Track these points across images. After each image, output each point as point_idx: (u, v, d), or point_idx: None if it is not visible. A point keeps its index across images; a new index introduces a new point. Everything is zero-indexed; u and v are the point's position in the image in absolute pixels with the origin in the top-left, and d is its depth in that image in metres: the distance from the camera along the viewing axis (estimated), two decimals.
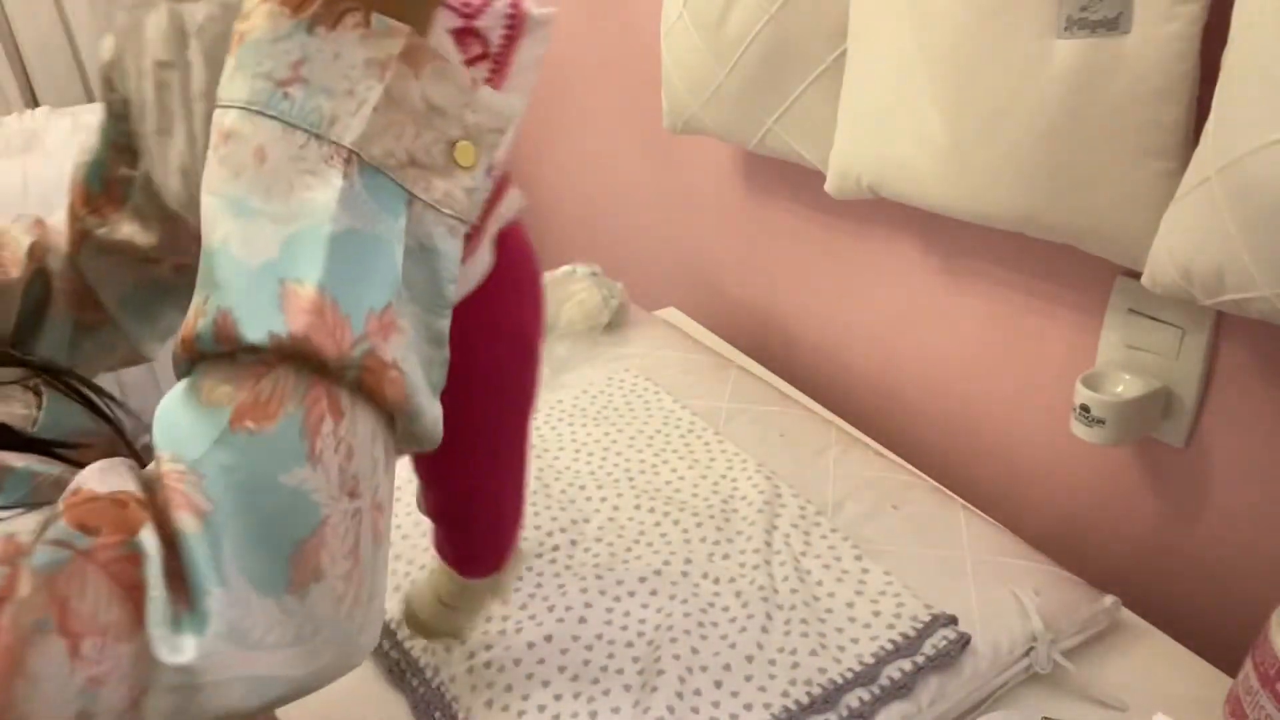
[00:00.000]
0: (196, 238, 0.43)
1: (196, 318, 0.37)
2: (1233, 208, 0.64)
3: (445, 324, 0.42)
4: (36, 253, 0.62)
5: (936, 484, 1.00)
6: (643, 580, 0.84)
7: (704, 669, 0.74)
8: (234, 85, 0.39)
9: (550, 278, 1.33)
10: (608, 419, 1.09)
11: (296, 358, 0.37)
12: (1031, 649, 0.77)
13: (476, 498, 0.65)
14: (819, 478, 0.97)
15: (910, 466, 1.04)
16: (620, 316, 1.30)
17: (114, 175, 0.62)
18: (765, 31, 1.00)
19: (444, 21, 0.44)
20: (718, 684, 0.73)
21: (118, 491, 0.37)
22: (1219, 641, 0.81)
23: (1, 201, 1.84)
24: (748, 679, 0.73)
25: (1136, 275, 0.77)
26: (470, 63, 0.46)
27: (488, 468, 0.63)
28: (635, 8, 1.38)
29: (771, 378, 1.23)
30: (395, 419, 0.40)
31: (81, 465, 0.45)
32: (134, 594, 0.35)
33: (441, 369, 0.43)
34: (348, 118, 0.38)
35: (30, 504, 0.42)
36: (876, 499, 0.94)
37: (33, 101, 2.24)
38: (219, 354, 0.37)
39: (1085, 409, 0.83)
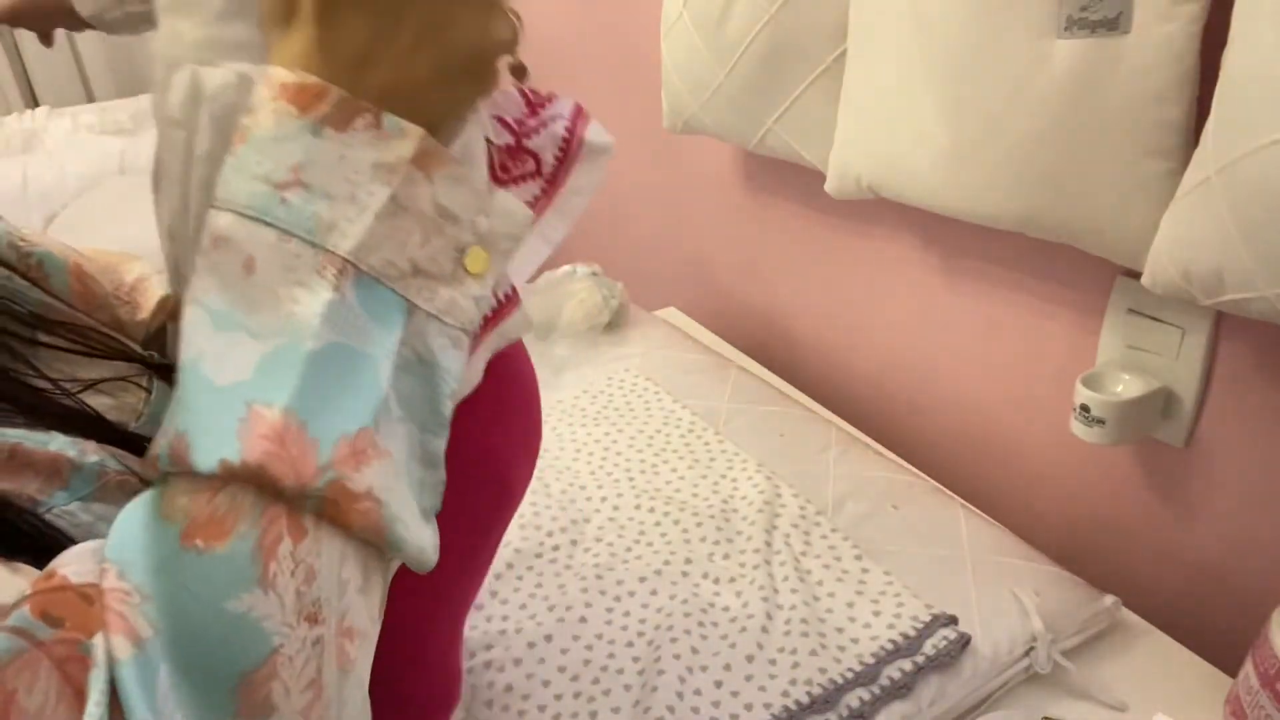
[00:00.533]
0: None
1: (160, 436, 0.35)
2: (1232, 208, 0.64)
3: (441, 444, 0.40)
4: (168, 304, 0.62)
5: (936, 484, 1.00)
6: (643, 580, 0.84)
7: (704, 669, 0.74)
8: (231, 186, 0.37)
9: (550, 278, 1.33)
10: (608, 419, 1.09)
11: (244, 483, 0.34)
12: (1031, 649, 0.77)
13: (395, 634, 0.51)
14: (819, 478, 0.97)
15: (910, 466, 1.04)
16: (620, 316, 1.30)
17: None
18: (765, 31, 1.00)
19: (496, 136, 0.43)
20: (718, 684, 0.73)
21: (89, 584, 0.34)
22: (1219, 641, 0.81)
23: (1, 201, 1.85)
24: (748, 679, 0.73)
25: (1136, 275, 0.77)
26: (519, 180, 0.45)
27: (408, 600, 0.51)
28: (635, 8, 1.38)
29: (771, 378, 1.23)
30: (367, 543, 0.37)
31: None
32: (80, 700, 0.32)
33: (435, 491, 0.40)
34: (346, 224, 0.36)
35: (94, 500, 0.42)
36: (876, 499, 0.94)
37: (33, 101, 2.24)
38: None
39: (1085, 409, 0.83)
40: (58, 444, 0.43)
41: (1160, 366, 0.83)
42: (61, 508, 0.41)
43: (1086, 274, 0.88)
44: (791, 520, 0.90)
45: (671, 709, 0.71)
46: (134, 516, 0.35)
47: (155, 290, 0.62)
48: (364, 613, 0.37)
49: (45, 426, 0.43)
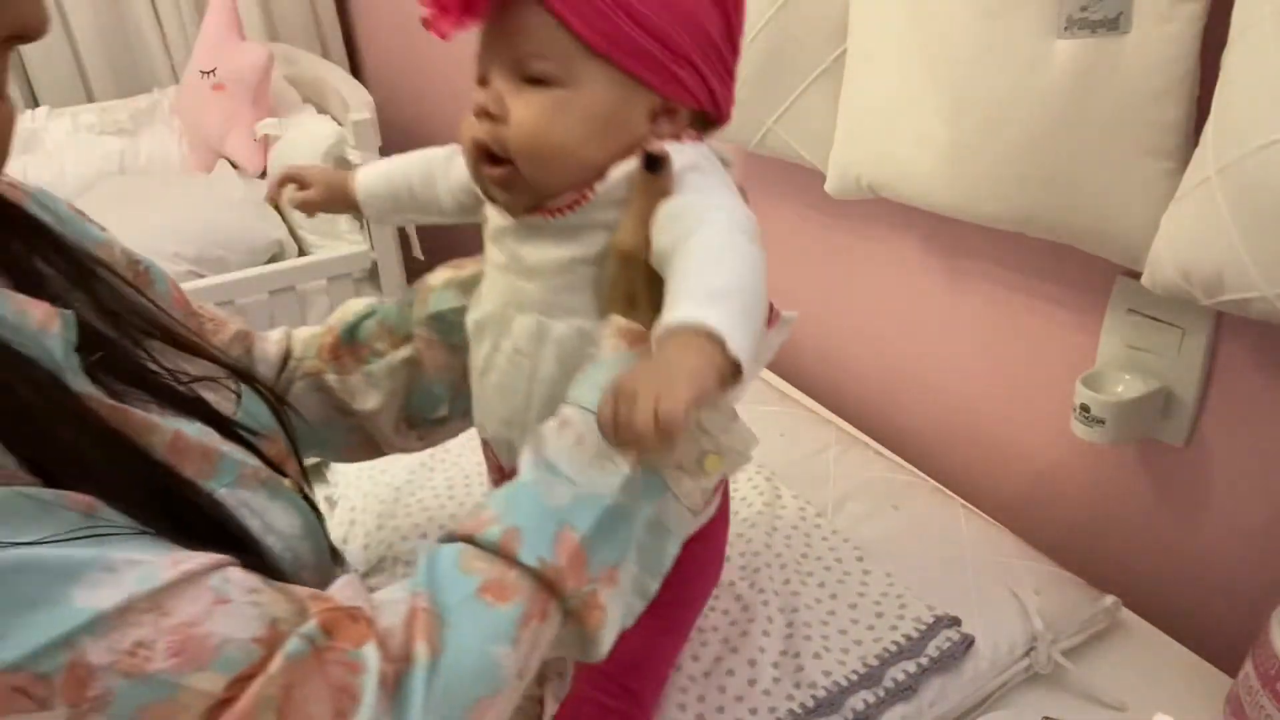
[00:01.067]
0: (402, 425, 0.76)
1: (487, 522, 0.50)
2: (1232, 208, 0.64)
3: (655, 587, 0.55)
4: (248, 339, 0.76)
5: (936, 484, 1.00)
6: None
7: (706, 675, 0.74)
8: (580, 391, 0.54)
9: None
10: None
11: (542, 577, 0.49)
12: (1032, 649, 0.77)
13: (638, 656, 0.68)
14: (819, 478, 0.97)
15: (910, 466, 1.04)
16: None
17: (369, 343, 0.76)
18: (765, 31, 1.00)
19: None
20: (721, 689, 0.73)
21: (354, 606, 0.47)
22: (1219, 641, 0.81)
23: None
24: (751, 683, 0.73)
25: (1136, 275, 0.77)
26: None
27: (654, 640, 0.69)
28: None
29: (771, 377, 1.23)
30: (581, 638, 0.52)
31: (266, 458, 0.58)
32: (339, 696, 0.43)
33: (634, 617, 0.55)
34: None
35: (237, 487, 0.54)
36: (876, 499, 0.94)
37: (33, 101, 2.24)
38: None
39: (1085, 409, 0.83)
40: (195, 431, 0.54)
41: (1160, 366, 0.83)
42: (219, 491, 0.53)
43: (1086, 274, 0.88)
44: (792, 522, 0.90)
45: (676, 716, 0.71)
46: (441, 563, 0.50)
47: (270, 351, 0.77)
48: (530, 675, 0.51)
49: (179, 414, 0.54)
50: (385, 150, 1.61)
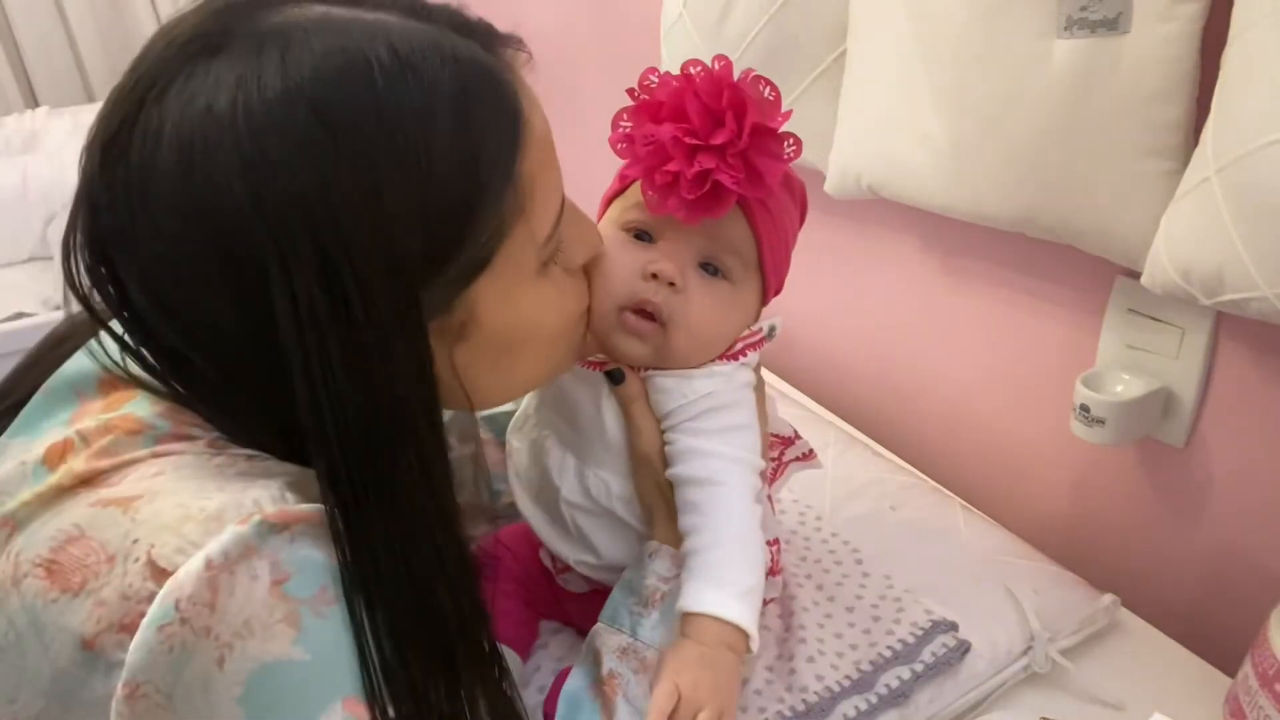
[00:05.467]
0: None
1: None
2: (1232, 207, 0.64)
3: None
4: None
5: (936, 484, 1.00)
6: None
7: None
8: (655, 632, 0.62)
9: None
10: None
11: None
12: (1030, 648, 0.77)
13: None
14: (818, 478, 0.97)
15: (910, 466, 1.04)
16: None
17: None
18: (765, 31, 1.00)
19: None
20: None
21: None
22: (1218, 641, 0.81)
23: (1, 201, 1.84)
24: (744, 682, 0.73)
25: (1136, 275, 0.77)
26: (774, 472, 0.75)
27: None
28: (635, 8, 1.38)
29: (771, 377, 1.23)
30: None
31: None
32: None
33: None
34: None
35: None
36: (875, 499, 0.94)
37: (33, 101, 2.23)
38: None
39: (1085, 409, 0.83)
40: None
41: (1160, 366, 0.83)
42: None
43: (1086, 274, 0.88)
44: (790, 525, 0.90)
45: None
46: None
47: None
48: None
49: None
50: None
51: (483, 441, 0.81)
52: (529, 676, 0.74)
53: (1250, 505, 0.82)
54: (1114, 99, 0.72)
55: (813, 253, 1.22)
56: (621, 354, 0.64)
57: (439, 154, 0.46)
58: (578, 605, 0.74)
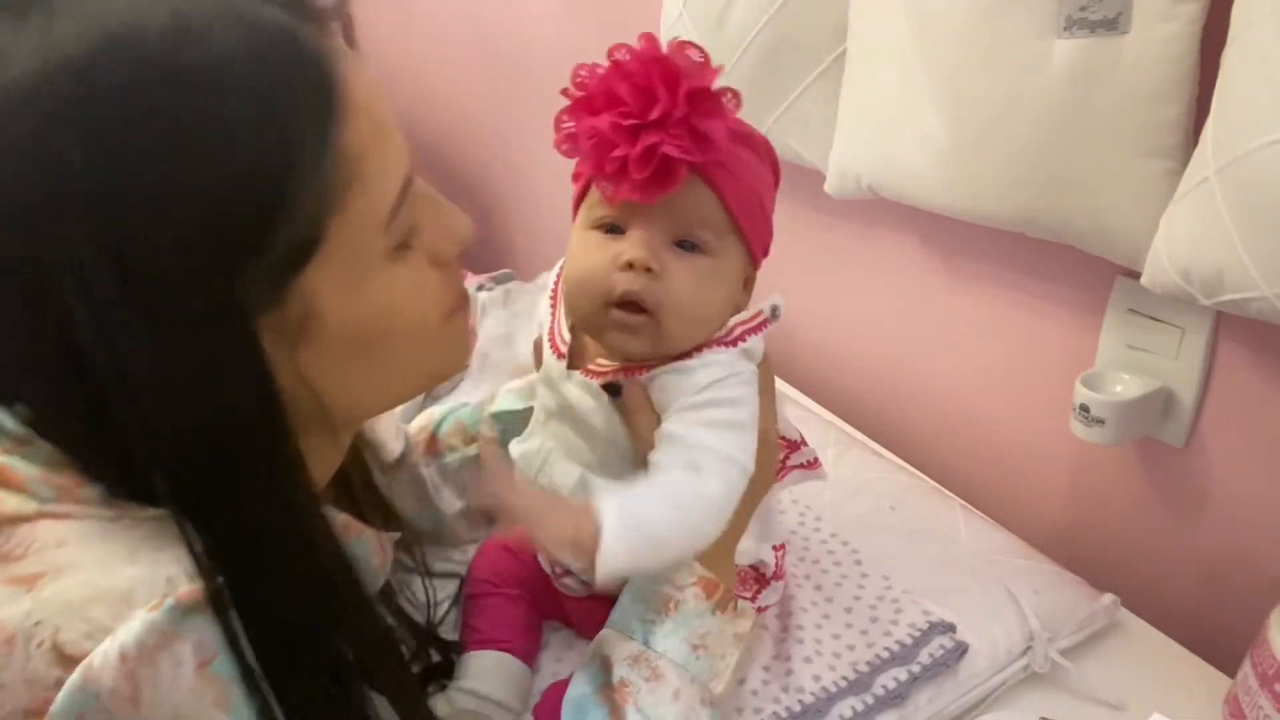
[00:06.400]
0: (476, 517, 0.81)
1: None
2: (1232, 207, 0.64)
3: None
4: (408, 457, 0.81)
5: (936, 484, 1.00)
6: None
7: None
8: (668, 641, 0.60)
9: (548, 278, 1.33)
10: None
11: None
12: (1029, 648, 0.77)
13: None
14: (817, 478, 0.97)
15: (910, 466, 1.04)
16: None
17: (445, 439, 0.81)
18: (765, 31, 1.00)
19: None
20: None
21: None
22: (1218, 641, 0.81)
23: None
24: (740, 681, 0.73)
25: (1136, 275, 0.77)
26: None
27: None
28: (635, 8, 1.38)
29: None
30: None
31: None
32: None
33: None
34: (721, 676, 0.60)
35: None
36: (875, 499, 0.94)
37: None
38: None
39: (1085, 409, 0.83)
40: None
41: (1160, 366, 0.83)
42: None
43: (1086, 274, 0.88)
44: (790, 525, 0.90)
45: None
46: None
47: (393, 446, 0.80)
48: None
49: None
50: None
51: (489, 440, 0.80)
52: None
53: (1250, 505, 0.82)
54: (1114, 99, 0.72)
55: (813, 253, 1.22)
56: (621, 351, 0.64)
57: (231, 124, 0.41)
58: (578, 608, 0.74)
